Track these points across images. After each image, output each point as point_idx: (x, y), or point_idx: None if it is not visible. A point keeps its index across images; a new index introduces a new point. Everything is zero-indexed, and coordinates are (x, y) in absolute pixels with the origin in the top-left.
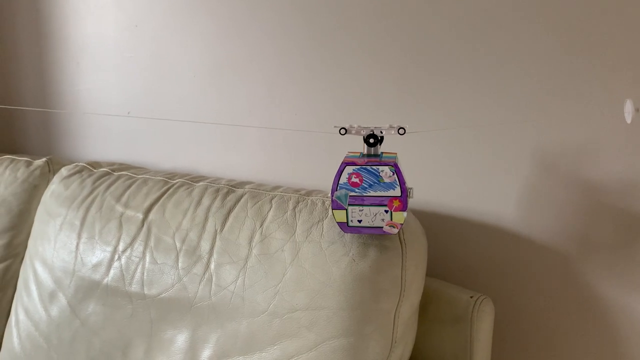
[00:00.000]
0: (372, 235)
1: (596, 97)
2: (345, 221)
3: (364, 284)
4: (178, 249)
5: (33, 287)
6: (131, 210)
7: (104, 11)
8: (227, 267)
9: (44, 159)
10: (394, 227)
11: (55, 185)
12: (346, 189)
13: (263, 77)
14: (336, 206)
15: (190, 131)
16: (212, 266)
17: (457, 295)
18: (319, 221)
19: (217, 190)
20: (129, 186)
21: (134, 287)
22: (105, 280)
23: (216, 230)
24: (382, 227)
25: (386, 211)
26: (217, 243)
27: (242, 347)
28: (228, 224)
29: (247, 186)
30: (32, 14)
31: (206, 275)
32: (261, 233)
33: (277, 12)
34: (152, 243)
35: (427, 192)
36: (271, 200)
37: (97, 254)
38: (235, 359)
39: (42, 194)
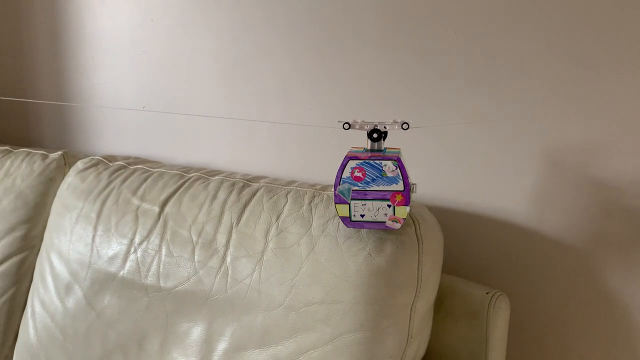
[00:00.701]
0: (388, 231)
1: (603, 96)
2: (348, 216)
3: (380, 279)
4: (194, 242)
5: (49, 279)
6: (147, 203)
7: (119, 6)
8: (243, 261)
9: (59, 152)
10: (396, 222)
11: (71, 178)
12: (349, 183)
13: (276, 74)
14: (339, 200)
15: (205, 126)
16: (228, 259)
17: (472, 292)
18: (335, 216)
19: (233, 185)
20: (145, 180)
21: (150, 280)
22: (121, 273)
23: (232, 224)
24: (384, 222)
25: (389, 205)
26: (233, 236)
27: (258, 340)
28: (244, 217)
29: (262, 180)
30: (48, 8)
31: (222, 269)
32: (277, 227)
33: (289, 9)
34: (168, 236)
35: (442, 189)
36: (287, 195)
37: (113, 247)
38: (251, 352)
39: (58, 186)
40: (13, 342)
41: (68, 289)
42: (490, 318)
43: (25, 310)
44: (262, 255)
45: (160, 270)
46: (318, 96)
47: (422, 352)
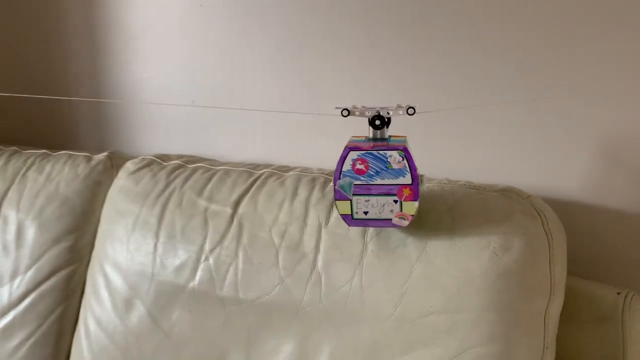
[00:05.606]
0: (515, 224)
1: None
2: (350, 213)
3: (510, 282)
4: (277, 245)
5: (105, 294)
6: (217, 204)
7: None
8: (339, 265)
9: (105, 153)
10: (404, 219)
11: (122, 181)
12: (350, 177)
13: (348, 58)
14: (339, 197)
15: (262, 120)
16: (320, 264)
17: (599, 292)
18: (450, 208)
19: (313, 180)
20: (210, 179)
21: (227, 291)
22: (191, 285)
23: (320, 224)
24: (391, 219)
25: (395, 201)
26: (324, 238)
27: (365, 358)
28: (333, 216)
29: None
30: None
31: (314, 275)
32: None
33: None
34: (245, 240)
35: (545, 180)
36: None
37: (180, 255)
38: None
39: (106, 191)
40: None
41: (128, 304)
42: (627, 321)
43: (76, 330)
44: (362, 259)
45: (239, 279)
46: (393, 82)
47: None
